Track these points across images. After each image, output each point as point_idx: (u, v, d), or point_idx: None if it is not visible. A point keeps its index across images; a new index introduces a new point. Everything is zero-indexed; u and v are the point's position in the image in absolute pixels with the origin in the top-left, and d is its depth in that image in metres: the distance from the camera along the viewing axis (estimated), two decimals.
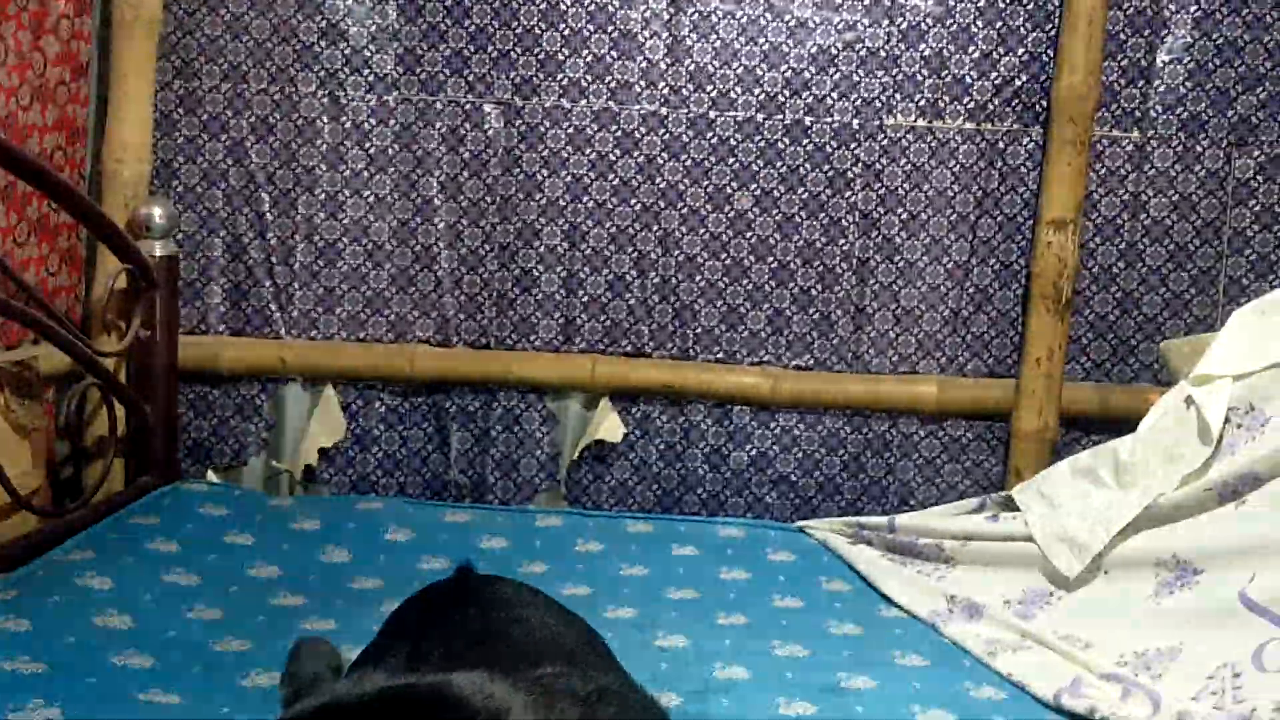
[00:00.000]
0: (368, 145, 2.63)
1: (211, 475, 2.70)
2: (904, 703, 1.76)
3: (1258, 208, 2.58)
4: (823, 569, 2.36)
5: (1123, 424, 2.25)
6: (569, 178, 2.63)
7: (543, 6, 2.59)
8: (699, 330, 2.69)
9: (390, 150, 2.63)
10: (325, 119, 2.62)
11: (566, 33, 2.59)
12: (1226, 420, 1.96)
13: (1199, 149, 2.58)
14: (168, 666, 1.74)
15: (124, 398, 2.46)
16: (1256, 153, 2.57)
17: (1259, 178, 2.57)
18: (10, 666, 1.66)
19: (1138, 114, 2.58)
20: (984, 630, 2.05)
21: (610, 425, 2.69)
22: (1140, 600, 1.93)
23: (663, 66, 2.60)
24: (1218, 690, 1.71)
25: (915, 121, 2.61)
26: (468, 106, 2.61)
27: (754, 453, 2.71)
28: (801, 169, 2.63)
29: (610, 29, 2.59)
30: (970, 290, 2.65)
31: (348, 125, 2.63)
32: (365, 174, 2.64)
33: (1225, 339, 2.05)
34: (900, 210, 2.63)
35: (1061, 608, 2.04)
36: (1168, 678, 1.78)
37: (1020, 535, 2.18)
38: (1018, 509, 2.26)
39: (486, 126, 2.62)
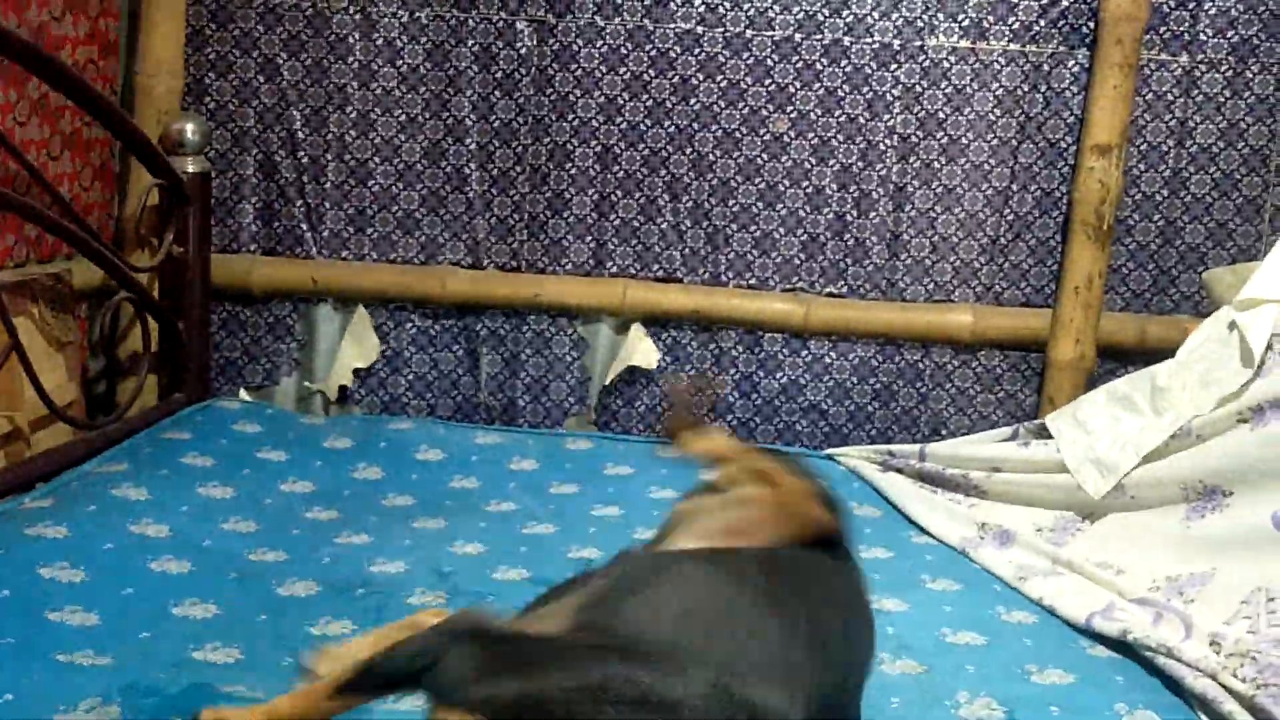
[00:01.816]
0: (399, 63, 2.60)
1: (244, 394, 2.72)
2: (935, 625, 1.76)
3: None
4: (853, 495, 2.35)
5: (1160, 355, 2.21)
6: (602, 98, 2.59)
7: None
8: (731, 256, 2.66)
9: (422, 68, 2.60)
10: (357, 36, 2.59)
11: None
12: (1269, 346, 1.92)
13: (1249, 74, 2.51)
14: (204, 574, 1.76)
15: (157, 313, 2.46)
16: None
17: None
18: (49, 573, 1.68)
19: (1187, 37, 2.51)
20: (1015, 556, 2.04)
21: (645, 351, 2.68)
22: (1171, 525, 1.91)
23: None
24: (1251, 615, 1.70)
25: (958, 42, 2.54)
26: (500, 24, 2.57)
27: (785, 380, 2.69)
28: (840, 91, 2.57)
29: None
30: (1009, 217, 2.60)
31: (379, 42, 2.59)
32: (397, 92, 2.61)
33: (1272, 264, 2.01)
34: (940, 134, 2.58)
35: (1093, 534, 2.03)
36: (1200, 602, 1.77)
37: (1052, 465, 2.16)
38: (1050, 437, 2.24)
39: (519, 44, 2.58)
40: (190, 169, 2.47)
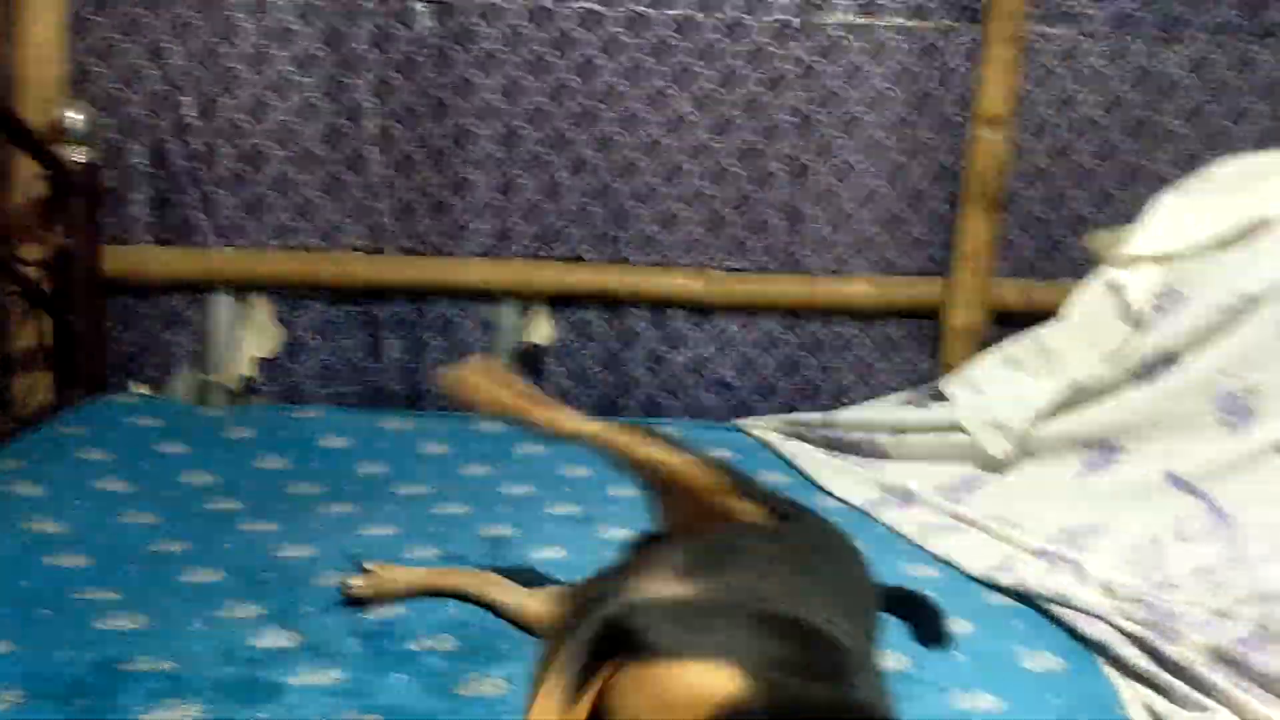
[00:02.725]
0: (292, 46, 2.56)
1: (141, 388, 2.64)
2: None
3: (1184, 103, 2.62)
4: (761, 464, 2.39)
5: (1047, 317, 2.29)
6: (503, 79, 2.58)
7: None
8: (635, 234, 2.67)
9: (317, 52, 2.56)
10: (247, 18, 2.53)
11: None
12: (1149, 302, 2.01)
13: (1128, 45, 2.61)
14: (104, 566, 1.73)
15: (48, 308, 2.39)
16: (1182, 49, 2.60)
17: (1185, 73, 2.61)
18: None
19: (1069, 10, 2.60)
20: (918, 515, 2.10)
21: (540, 328, 2.68)
22: (1066, 480, 1.99)
23: None
24: (1141, 562, 1.78)
25: (852, 19, 2.59)
26: (396, 5, 2.54)
27: (691, 355, 2.72)
28: (739, 69, 2.60)
29: None
30: (904, 190, 2.66)
31: (271, 25, 2.54)
32: (291, 77, 2.57)
33: (1150, 223, 2.09)
34: (837, 110, 2.63)
35: (991, 491, 2.10)
36: (1094, 552, 1.84)
37: (951, 425, 2.23)
38: (947, 400, 2.31)
39: (417, 26, 2.55)
40: (78, 158, 2.40)
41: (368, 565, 1.67)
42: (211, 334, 2.65)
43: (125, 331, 2.64)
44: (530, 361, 2.70)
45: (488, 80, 2.58)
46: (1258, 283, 1.81)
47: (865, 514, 2.15)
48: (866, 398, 2.66)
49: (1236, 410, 1.79)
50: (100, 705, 1.34)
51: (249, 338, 2.65)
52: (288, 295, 2.65)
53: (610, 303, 2.69)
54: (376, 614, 1.62)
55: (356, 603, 1.63)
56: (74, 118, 2.40)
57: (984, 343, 2.58)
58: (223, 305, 2.64)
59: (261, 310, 2.65)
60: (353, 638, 1.56)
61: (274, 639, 1.54)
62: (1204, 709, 1.42)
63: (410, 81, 2.57)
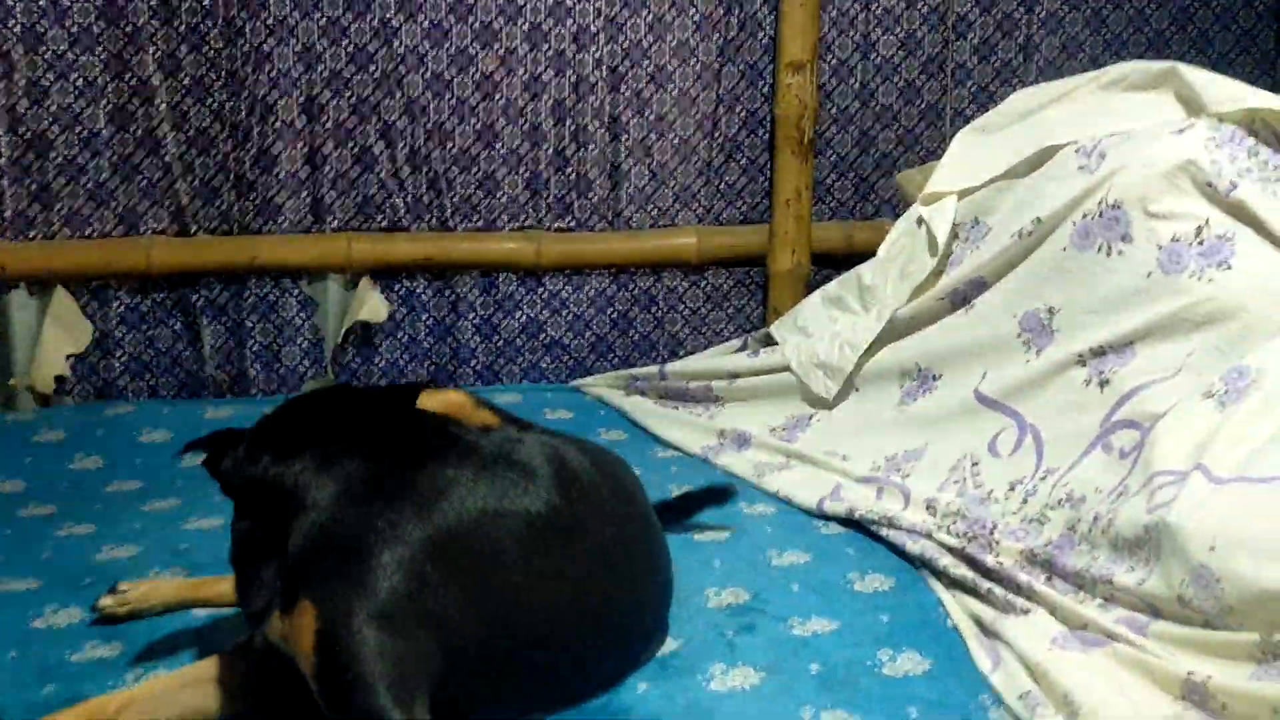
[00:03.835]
0: (68, 23, 2.40)
1: None
2: (683, 528, 1.83)
3: (976, 40, 2.72)
4: (599, 421, 2.41)
5: (866, 257, 2.35)
6: (299, 46, 2.49)
7: None
8: (456, 199, 2.63)
9: (95, 27, 2.41)
10: None
11: None
12: (955, 234, 2.09)
13: None
14: None
15: None
16: None
17: (975, 11, 2.71)
18: None
19: None
20: (752, 456, 2.15)
21: (372, 305, 2.62)
22: (888, 409, 2.07)
23: None
24: (959, 480, 1.86)
25: None
26: None
27: (524, 319, 2.70)
28: (544, 25, 2.58)
29: None
30: (720, 139, 2.69)
31: (43, 2, 2.38)
32: (69, 55, 2.41)
33: (950, 159, 2.18)
34: (646, 63, 2.63)
35: (821, 427, 2.16)
36: (915, 475, 1.92)
37: (780, 367, 2.28)
38: (776, 344, 2.37)
39: None
40: None
41: (121, 585, 1.55)
42: (11, 334, 2.49)
43: None
44: (362, 339, 2.63)
45: (282, 48, 2.48)
46: (1048, 208, 1.90)
47: (704, 460, 2.19)
48: (700, 348, 2.70)
49: (1038, 329, 1.88)
50: None
51: (53, 335, 2.50)
52: (91, 287, 2.51)
53: (437, 272, 2.64)
54: (207, 614, 1.56)
55: (109, 621, 1.53)
56: None
57: (808, 286, 2.64)
58: (19, 303, 2.48)
59: (64, 305, 2.50)
60: (178, 638, 1.50)
61: (95, 650, 1.47)
62: (1022, 612, 1.50)
63: (198, 54, 2.45)
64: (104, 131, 2.45)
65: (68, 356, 2.51)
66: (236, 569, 1.31)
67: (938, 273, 2.07)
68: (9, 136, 2.42)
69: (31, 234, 2.47)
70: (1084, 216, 1.86)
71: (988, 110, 2.31)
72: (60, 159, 2.45)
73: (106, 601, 1.54)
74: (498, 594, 1.22)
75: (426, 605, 1.18)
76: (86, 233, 2.49)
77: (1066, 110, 2.08)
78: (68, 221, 2.48)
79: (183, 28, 2.43)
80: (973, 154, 2.14)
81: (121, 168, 2.47)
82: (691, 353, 2.68)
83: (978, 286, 1.99)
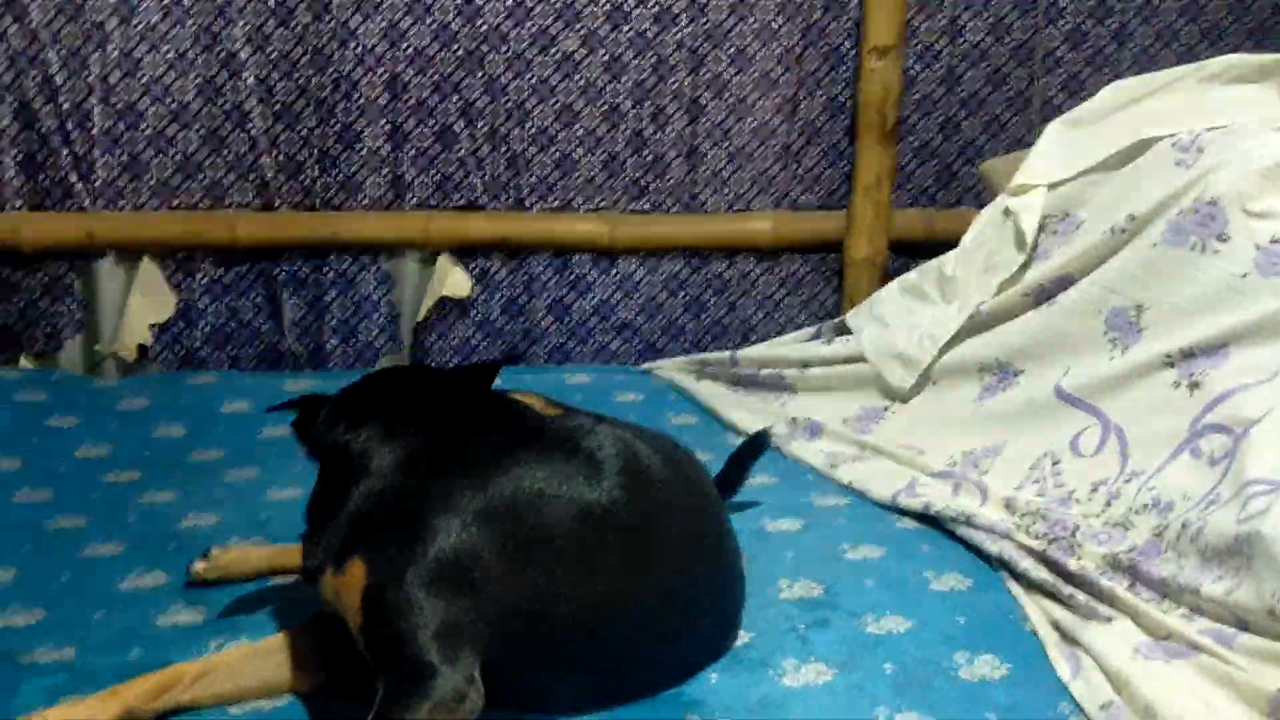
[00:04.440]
0: None
1: (25, 362, 2.54)
2: (754, 518, 1.83)
3: (1067, 27, 2.65)
4: (669, 405, 2.40)
5: (947, 246, 2.31)
6: (384, 23, 2.50)
7: None
8: (533, 179, 2.63)
9: (186, 0, 2.45)
10: None
11: None
12: (1042, 227, 2.05)
13: None
14: None
15: None
16: None
17: None
18: None
19: None
20: (825, 446, 2.13)
21: (456, 281, 2.63)
22: (966, 404, 2.03)
23: None
24: (1039, 479, 1.83)
25: None
26: None
27: (596, 300, 2.70)
28: (626, 5, 2.56)
29: None
30: (799, 124, 2.66)
31: None
32: (161, 28, 2.45)
33: (1040, 150, 2.13)
34: (727, 45, 2.61)
35: (896, 420, 2.13)
36: (993, 472, 1.89)
37: (855, 356, 2.26)
38: (851, 333, 2.34)
39: None
40: None
41: (213, 550, 1.60)
42: (98, 302, 2.55)
43: (3, 303, 2.52)
44: (437, 317, 2.65)
45: (367, 25, 2.49)
46: (1142, 203, 1.85)
47: (774, 449, 2.17)
48: (772, 334, 2.68)
49: (1126, 328, 1.84)
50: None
51: (139, 304, 2.56)
52: (176, 258, 2.56)
53: (512, 251, 2.65)
54: (289, 582, 1.59)
55: (199, 585, 1.57)
56: None
57: (886, 274, 2.61)
58: (107, 271, 2.54)
59: (150, 275, 2.55)
60: (261, 606, 1.53)
61: (179, 615, 1.50)
62: (1104, 619, 1.47)
63: (286, 28, 2.48)
64: (193, 104, 2.49)
65: (151, 325, 2.57)
66: (306, 527, 1.35)
67: (1024, 267, 2.02)
68: (101, 107, 2.47)
69: (121, 204, 2.52)
70: (1179, 213, 1.81)
71: (1077, 99, 2.26)
72: (150, 130, 2.49)
73: (199, 566, 1.58)
74: (549, 577, 1.23)
75: (474, 576, 1.19)
76: (174, 204, 2.54)
77: (1164, 103, 2.01)
78: (156, 193, 2.53)
79: (271, 2, 2.46)
80: (1064, 146, 2.09)
81: (209, 140, 2.52)
82: (764, 339, 2.66)
83: (1064, 282, 1.95)
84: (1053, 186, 2.06)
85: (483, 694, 1.15)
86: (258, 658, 1.34)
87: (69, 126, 2.46)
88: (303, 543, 1.34)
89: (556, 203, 2.65)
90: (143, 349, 2.57)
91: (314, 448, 1.40)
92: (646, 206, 2.68)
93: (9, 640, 1.42)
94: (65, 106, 2.45)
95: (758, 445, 1.91)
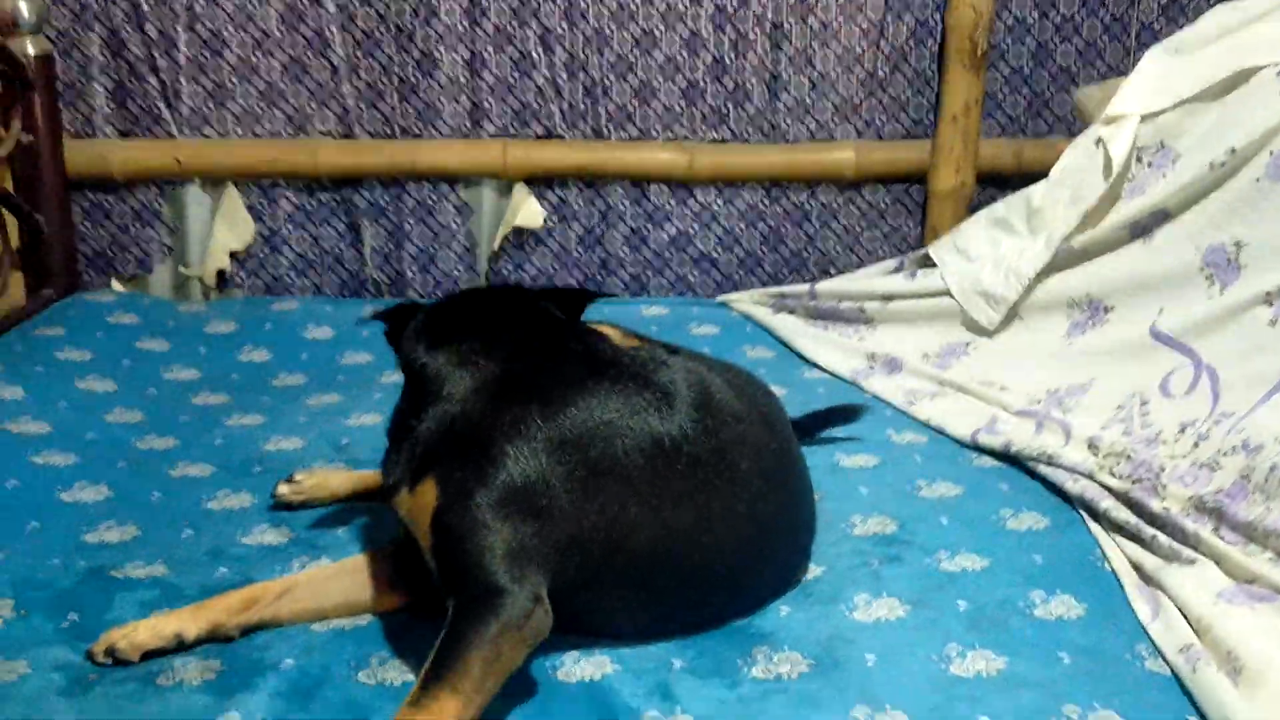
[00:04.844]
0: None
1: (116, 285, 2.61)
2: (829, 453, 1.81)
3: None
4: (746, 338, 2.39)
5: (1036, 177, 2.24)
6: None
7: None
8: (611, 108, 2.61)
9: None
10: None
11: None
12: (1138, 159, 1.97)
13: None
14: (91, 464, 1.72)
15: (13, 206, 2.34)
16: None
17: None
18: None
19: None
20: (904, 382, 2.10)
21: (529, 211, 2.64)
22: (1053, 341, 1.98)
23: None
24: (1126, 419, 1.78)
25: None
26: None
27: (674, 231, 2.68)
28: None
29: None
30: (886, 50, 2.59)
31: None
32: None
33: (1136, 78, 2.04)
34: None
35: (978, 356, 2.09)
36: (1079, 411, 1.84)
37: (938, 291, 2.21)
38: (935, 266, 2.29)
39: None
40: (30, 50, 2.32)
41: (297, 474, 1.64)
42: (185, 228, 2.60)
43: (95, 229, 2.59)
44: (515, 246, 2.66)
45: None
46: (1244, 136, 1.77)
47: (852, 383, 2.15)
48: (853, 267, 2.64)
49: (1224, 265, 1.77)
50: (94, 618, 1.33)
51: (223, 230, 2.61)
52: (260, 185, 2.60)
53: (589, 180, 2.64)
54: (370, 507, 1.63)
55: (284, 508, 1.61)
56: (22, 8, 2.30)
57: (973, 206, 2.54)
58: (194, 198, 2.58)
59: (234, 201, 2.60)
60: (343, 529, 1.57)
61: (264, 535, 1.55)
62: (1187, 561, 1.43)
63: None
64: (275, 31, 2.51)
65: (231, 253, 2.62)
66: (388, 442, 1.37)
67: (1112, 198, 1.95)
68: (188, 35, 2.49)
69: (206, 131, 2.56)
70: None
71: (1177, 24, 2.15)
72: (235, 58, 2.52)
73: (283, 489, 1.62)
74: (618, 506, 1.24)
75: (542, 502, 1.20)
76: (257, 132, 2.57)
77: (1271, 29, 1.91)
78: (240, 120, 2.56)
79: None
80: (1162, 74, 2.00)
81: (291, 68, 2.53)
82: (843, 272, 2.62)
83: (1160, 217, 1.88)
84: (1148, 117, 1.98)
85: (551, 615, 1.17)
86: (339, 577, 1.38)
87: (156, 55, 2.49)
88: (383, 459, 1.36)
89: (635, 132, 2.63)
90: (223, 275, 2.63)
91: (403, 358, 1.41)
92: (726, 135, 2.64)
93: (104, 555, 1.47)
94: (152, 35, 2.48)
95: (848, 414, 1.88)
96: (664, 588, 1.29)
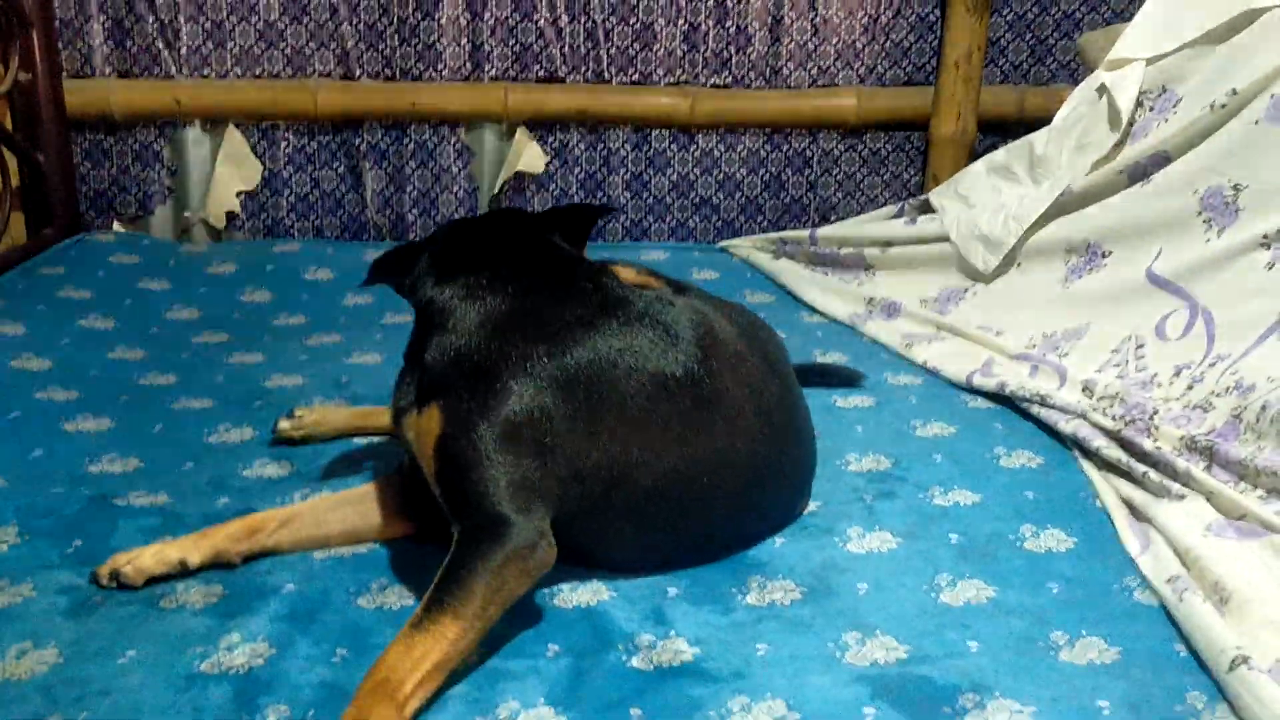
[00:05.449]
0: None
1: (118, 226, 2.62)
2: (826, 393, 1.82)
3: None
4: (746, 283, 2.39)
5: (1038, 125, 2.24)
6: None
7: None
8: (613, 51, 2.60)
9: None
10: None
11: None
12: (1139, 104, 1.96)
13: None
14: (93, 399, 1.74)
15: (12, 145, 2.34)
16: None
17: None
18: None
19: None
20: (901, 326, 2.11)
21: (531, 156, 2.63)
22: (1050, 286, 1.99)
23: None
24: (1120, 362, 1.79)
25: None
26: None
27: (675, 176, 2.68)
28: None
29: None
30: None
31: None
32: None
33: (1140, 22, 2.03)
34: None
35: (976, 301, 2.10)
36: (1074, 354, 1.85)
37: (937, 236, 2.21)
38: (935, 212, 2.29)
39: None
40: None
41: (297, 410, 1.65)
42: (186, 169, 2.60)
43: (96, 169, 2.59)
44: (515, 189, 2.66)
45: None
46: (1245, 78, 1.76)
47: (850, 327, 2.16)
48: (854, 213, 2.64)
49: (1222, 208, 1.77)
50: (97, 544, 1.35)
51: (226, 171, 2.60)
52: (260, 127, 2.59)
53: (591, 125, 2.63)
54: (370, 442, 1.64)
55: (285, 443, 1.63)
56: None
57: (974, 153, 2.53)
58: (194, 139, 2.58)
59: (238, 142, 2.59)
60: (342, 463, 1.59)
61: (265, 468, 1.56)
62: (1177, 497, 1.45)
63: None
64: None
65: (238, 193, 2.62)
66: (405, 365, 1.38)
67: (1118, 145, 1.95)
68: None
69: (206, 72, 2.55)
70: None
71: None
72: None
73: (284, 425, 1.63)
74: (621, 443, 1.25)
75: (544, 436, 1.22)
76: (256, 73, 2.56)
77: None
78: (239, 61, 2.55)
79: None
80: (1166, 18, 1.99)
81: (290, 7, 2.52)
82: (844, 218, 2.62)
83: (1160, 161, 1.87)
84: (1151, 61, 1.97)
85: (555, 549, 1.18)
86: (342, 506, 1.39)
87: None
88: (395, 382, 1.38)
89: (636, 76, 2.62)
90: (230, 216, 2.63)
91: (412, 299, 1.40)
92: (728, 80, 2.63)
93: (107, 484, 1.49)
94: None
95: (846, 379, 1.88)
96: (665, 524, 1.30)
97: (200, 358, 1.96)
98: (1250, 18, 1.85)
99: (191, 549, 1.31)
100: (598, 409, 1.25)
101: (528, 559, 1.16)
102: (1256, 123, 1.74)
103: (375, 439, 1.64)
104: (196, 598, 1.25)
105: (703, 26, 2.58)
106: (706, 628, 1.22)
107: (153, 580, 1.28)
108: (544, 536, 1.18)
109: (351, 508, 1.39)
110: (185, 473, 1.54)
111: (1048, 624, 1.22)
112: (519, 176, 2.65)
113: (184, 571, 1.29)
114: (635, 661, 1.16)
